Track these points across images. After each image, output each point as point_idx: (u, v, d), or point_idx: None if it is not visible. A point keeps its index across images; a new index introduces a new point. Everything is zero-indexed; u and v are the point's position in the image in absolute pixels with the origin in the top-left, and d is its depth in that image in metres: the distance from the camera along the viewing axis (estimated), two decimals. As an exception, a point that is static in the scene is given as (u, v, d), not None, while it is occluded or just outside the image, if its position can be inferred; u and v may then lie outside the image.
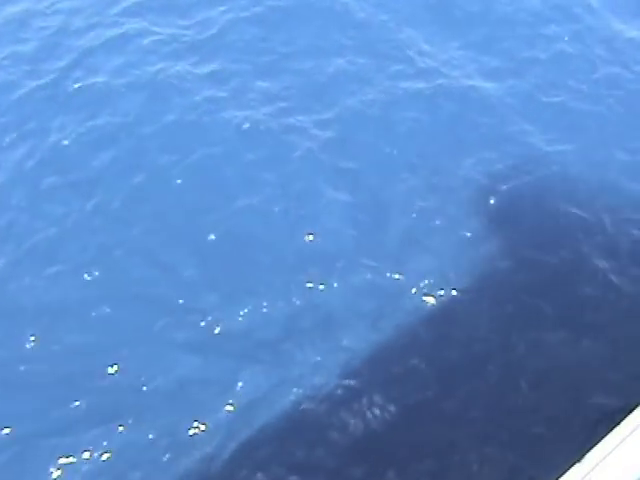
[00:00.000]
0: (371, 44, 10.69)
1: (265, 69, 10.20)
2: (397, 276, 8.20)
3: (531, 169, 9.39)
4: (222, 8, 10.86)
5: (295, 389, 7.43)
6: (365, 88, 10.07)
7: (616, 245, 8.92)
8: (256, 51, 10.40)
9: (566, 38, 10.98)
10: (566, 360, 7.70)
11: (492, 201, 8.92)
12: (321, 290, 8.14)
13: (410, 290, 8.11)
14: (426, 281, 8.13)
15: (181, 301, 8.06)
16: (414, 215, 8.75)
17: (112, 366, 7.52)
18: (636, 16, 11.53)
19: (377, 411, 7.36)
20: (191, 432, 7.13)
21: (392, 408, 7.41)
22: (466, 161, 9.39)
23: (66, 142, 9.39)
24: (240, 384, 7.45)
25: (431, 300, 8.05)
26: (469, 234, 8.54)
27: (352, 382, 7.53)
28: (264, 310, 8.03)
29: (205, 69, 10.25)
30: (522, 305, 8.05)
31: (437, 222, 8.69)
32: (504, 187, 9.13)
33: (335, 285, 8.16)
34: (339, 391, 7.46)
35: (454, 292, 8.10)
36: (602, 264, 8.68)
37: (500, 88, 10.22)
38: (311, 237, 8.61)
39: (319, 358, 7.66)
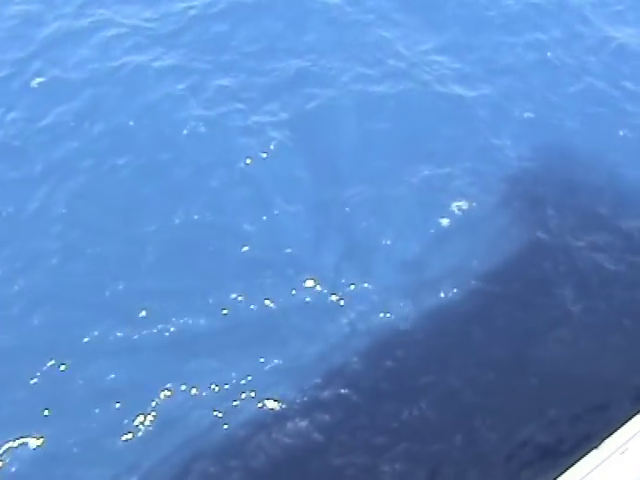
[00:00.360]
0: (340, 45, 10.20)
1: (226, 67, 9.82)
2: (335, 298, 7.87)
3: (493, 188, 8.88)
4: (189, 3, 10.48)
5: (216, 410, 7.23)
6: (327, 91, 9.63)
7: (578, 273, 8.42)
8: (218, 48, 10.01)
9: (550, 47, 10.28)
10: (502, 397, 7.32)
11: (445, 222, 8.46)
12: (255, 307, 7.87)
13: (347, 313, 7.78)
14: (364, 306, 7.79)
15: (113, 310, 7.90)
16: (361, 233, 8.37)
17: (35, 375, 7.41)
18: (630, 24, 10.74)
19: (300, 439, 7.13)
20: (107, 448, 7.01)
21: (317, 435, 7.18)
22: (424, 174, 8.92)
23: (16, 141, 9.22)
24: (161, 400, 7.28)
25: (367, 326, 7.70)
26: (415, 257, 8.13)
27: (277, 406, 7.30)
28: (195, 323, 7.81)
29: (165, 65, 9.92)
30: (464, 338, 7.65)
31: (384, 242, 8.29)
32: (460, 206, 8.66)
33: (271, 303, 7.88)
34: (262, 415, 7.24)
35: (393, 319, 7.73)
36: (560, 294, 8.22)
37: (471, 97, 9.66)
38: (252, 251, 8.31)
39: (245, 378, 7.43)
